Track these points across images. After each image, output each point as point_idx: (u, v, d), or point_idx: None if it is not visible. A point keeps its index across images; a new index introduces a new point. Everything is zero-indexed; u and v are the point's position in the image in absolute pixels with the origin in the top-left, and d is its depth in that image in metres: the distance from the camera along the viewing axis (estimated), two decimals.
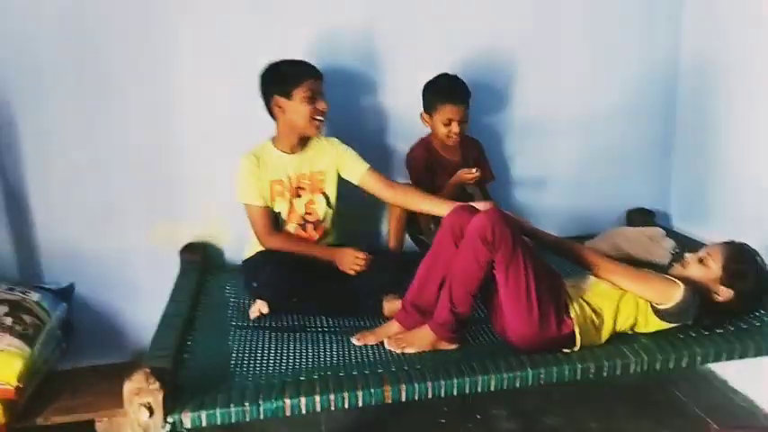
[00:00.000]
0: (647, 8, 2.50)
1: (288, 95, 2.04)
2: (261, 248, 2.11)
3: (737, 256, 1.75)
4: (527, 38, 2.45)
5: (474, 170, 2.16)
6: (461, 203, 1.88)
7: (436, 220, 2.32)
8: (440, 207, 2.01)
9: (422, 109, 2.27)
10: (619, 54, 2.52)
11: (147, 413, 1.42)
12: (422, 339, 1.76)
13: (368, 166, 2.17)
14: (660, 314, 1.71)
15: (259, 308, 1.93)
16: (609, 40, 2.50)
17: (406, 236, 2.32)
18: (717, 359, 1.69)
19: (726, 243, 1.80)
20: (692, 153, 2.57)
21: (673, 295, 1.67)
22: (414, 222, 2.31)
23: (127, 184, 2.27)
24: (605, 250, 2.38)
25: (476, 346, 1.77)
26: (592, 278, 1.80)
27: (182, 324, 1.84)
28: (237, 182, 2.11)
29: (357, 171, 2.16)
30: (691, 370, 2.36)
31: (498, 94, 2.48)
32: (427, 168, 2.26)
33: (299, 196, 2.14)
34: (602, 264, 1.78)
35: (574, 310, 1.70)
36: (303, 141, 2.14)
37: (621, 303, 1.73)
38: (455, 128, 2.18)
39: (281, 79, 2.05)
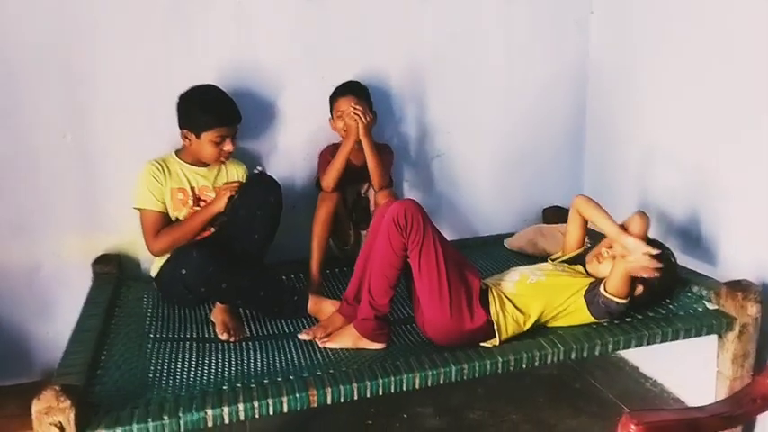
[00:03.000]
0: (556, 14, 2.60)
1: (197, 135, 2.06)
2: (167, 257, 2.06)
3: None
4: (445, 44, 2.49)
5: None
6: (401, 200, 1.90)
7: (356, 231, 2.35)
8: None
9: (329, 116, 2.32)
10: (531, 59, 2.61)
11: None
12: (345, 336, 1.78)
13: None
14: (598, 312, 1.76)
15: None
16: (522, 45, 2.58)
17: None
18: (626, 346, 1.76)
19: None
20: (601, 153, 2.68)
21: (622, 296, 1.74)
22: (338, 234, 2.32)
23: (35, 194, 2.15)
24: (523, 246, 2.48)
25: (400, 346, 1.79)
26: (520, 279, 1.84)
27: (94, 338, 1.76)
28: (137, 187, 2.08)
29: None
30: (604, 358, 2.47)
31: (418, 100, 2.52)
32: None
33: (199, 206, 2.12)
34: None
35: (493, 304, 1.75)
36: None
37: (548, 306, 1.78)
38: (349, 120, 2.18)
39: (192, 119, 2.06)
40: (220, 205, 2.05)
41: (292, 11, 2.29)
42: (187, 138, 2.07)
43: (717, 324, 1.81)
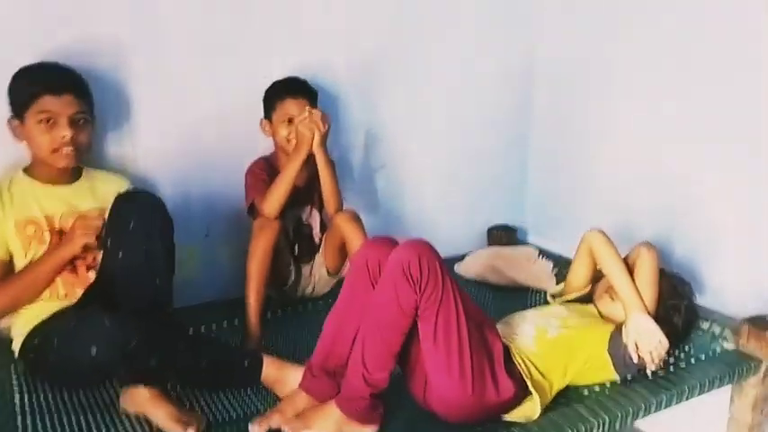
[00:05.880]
0: (502, 17, 2.30)
1: (21, 118, 1.45)
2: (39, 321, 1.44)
3: (673, 288, 1.58)
4: (389, 39, 2.10)
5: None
6: (380, 236, 1.46)
7: (296, 266, 1.86)
8: None
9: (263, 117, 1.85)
10: (475, 68, 2.30)
11: None
12: (325, 419, 1.30)
13: None
14: (626, 370, 1.48)
15: None
16: (467, 52, 2.26)
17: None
18: (668, 404, 1.47)
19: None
20: (545, 167, 2.47)
21: None
22: (275, 270, 1.77)
23: None
24: (483, 273, 2.14)
25: (397, 427, 1.34)
26: (538, 333, 1.48)
27: None
28: None
29: None
30: None
31: (361, 102, 2.10)
32: (267, 187, 1.75)
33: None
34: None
35: (521, 369, 1.38)
36: (67, 172, 1.53)
37: (570, 366, 1.45)
38: (303, 128, 1.71)
39: (12, 94, 1.46)
40: (75, 248, 1.44)
41: None
42: (12, 130, 1.48)
43: (745, 367, 1.59)
